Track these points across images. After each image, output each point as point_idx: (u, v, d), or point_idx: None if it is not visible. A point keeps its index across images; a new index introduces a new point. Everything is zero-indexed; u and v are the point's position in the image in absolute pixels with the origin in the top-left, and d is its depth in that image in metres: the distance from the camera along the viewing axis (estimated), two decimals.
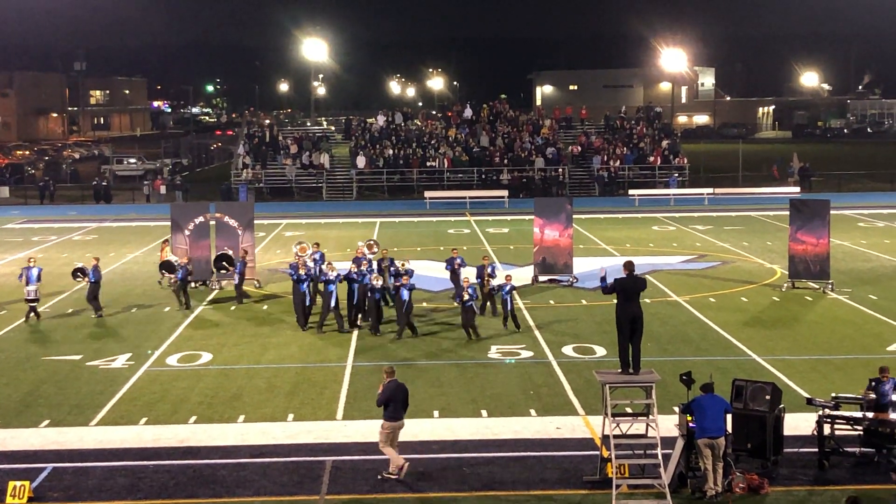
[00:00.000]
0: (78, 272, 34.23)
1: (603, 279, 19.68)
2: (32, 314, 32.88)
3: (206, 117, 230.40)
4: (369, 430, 21.67)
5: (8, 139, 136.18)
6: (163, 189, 74.18)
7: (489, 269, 32.49)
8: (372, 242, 35.44)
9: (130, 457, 20.48)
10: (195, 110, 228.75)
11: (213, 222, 38.33)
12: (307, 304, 31.14)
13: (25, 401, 24.27)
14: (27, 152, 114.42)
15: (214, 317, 33.42)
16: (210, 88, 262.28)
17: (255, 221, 39.92)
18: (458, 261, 34.11)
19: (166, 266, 36.25)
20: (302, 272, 30.88)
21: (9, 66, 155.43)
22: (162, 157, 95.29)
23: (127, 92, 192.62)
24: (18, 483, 18.34)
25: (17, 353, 28.77)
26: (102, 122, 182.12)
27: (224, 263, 36.77)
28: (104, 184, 75.21)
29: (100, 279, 34.02)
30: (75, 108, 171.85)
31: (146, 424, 22.47)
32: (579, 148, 76.85)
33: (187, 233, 37.72)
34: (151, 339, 30.27)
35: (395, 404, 19.24)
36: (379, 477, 19.06)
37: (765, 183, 74.08)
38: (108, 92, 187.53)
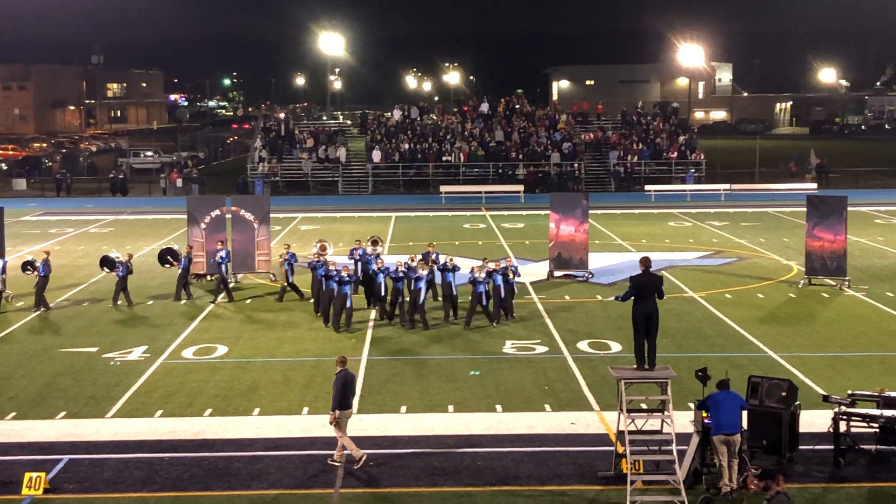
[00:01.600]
0: (28, 265, 34.16)
1: (617, 298, 19.79)
2: None
3: (223, 111, 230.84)
4: (384, 423, 21.75)
5: (25, 132, 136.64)
6: (179, 182, 74.32)
7: (433, 256, 33.39)
8: (376, 239, 35.39)
9: (146, 449, 20.55)
10: (212, 104, 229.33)
11: (229, 216, 38.38)
12: (348, 305, 30.47)
13: (42, 392, 24.37)
14: (44, 145, 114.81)
15: (230, 310, 33.48)
16: (227, 82, 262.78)
17: (271, 215, 39.95)
18: (434, 256, 33.98)
19: (106, 262, 35.43)
20: (345, 274, 30.26)
21: (26, 58, 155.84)
22: (178, 150, 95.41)
23: (144, 85, 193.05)
24: (34, 474, 18.42)
25: (33, 345, 28.89)
26: (119, 115, 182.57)
27: (168, 258, 36.74)
28: (121, 177, 75.37)
29: (49, 273, 33.88)
30: (92, 101, 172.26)
31: (162, 417, 22.55)
32: (592, 135, 77.03)
33: (203, 226, 37.76)
34: (167, 331, 30.35)
35: (347, 394, 19.69)
36: (329, 462, 19.62)
37: (782, 179, 73.84)
38: (125, 85, 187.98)
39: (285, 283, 34.51)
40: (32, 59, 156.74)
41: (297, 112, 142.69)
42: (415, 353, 27.71)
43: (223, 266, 34.82)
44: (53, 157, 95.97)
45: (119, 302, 33.99)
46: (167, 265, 36.84)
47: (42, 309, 33.40)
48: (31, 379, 25.51)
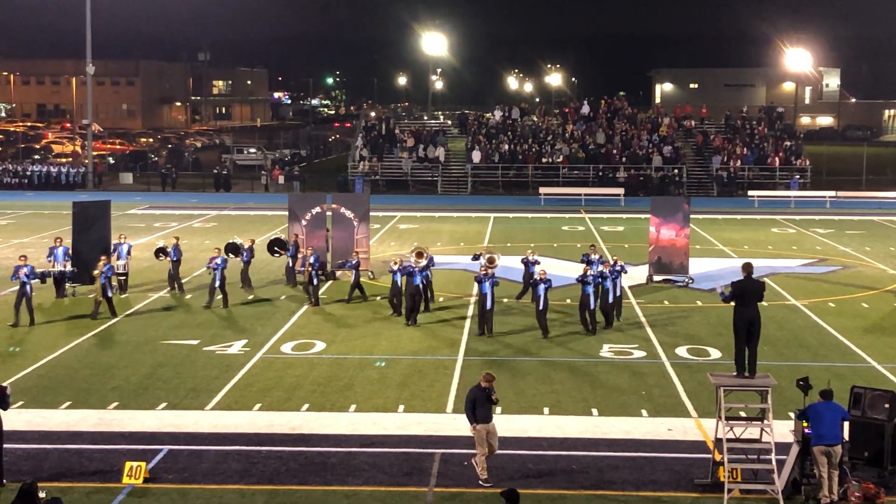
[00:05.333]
0: (160, 252, 35.54)
1: (722, 294, 19.45)
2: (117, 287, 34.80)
3: (325, 109, 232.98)
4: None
5: (133, 127, 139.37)
6: (281, 179, 75.24)
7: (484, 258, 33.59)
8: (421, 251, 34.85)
9: (243, 442, 20.79)
10: (314, 102, 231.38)
11: (329, 213, 38.76)
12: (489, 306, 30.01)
13: (144, 383, 24.80)
14: (151, 140, 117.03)
15: (329, 306, 33.74)
16: (329, 81, 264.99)
17: (371, 213, 40.21)
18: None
19: (232, 248, 36.69)
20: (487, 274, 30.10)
21: (135, 55, 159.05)
22: (281, 147, 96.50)
23: (249, 83, 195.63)
24: (135, 463, 18.73)
25: (136, 337, 29.42)
26: (224, 111, 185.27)
27: (276, 248, 37.78)
28: (224, 172, 76.55)
29: (181, 257, 35.76)
30: (198, 98, 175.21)
31: (260, 410, 22.80)
32: (691, 122, 77.30)
33: (304, 223, 38.20)
34: (267, 326, 30.70)
35: (478, 405, 18.86)
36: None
37: (889, 187, 72.31)
38: (230, 82, 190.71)
39: (100, 298, 31.57)
40: (141, 56, 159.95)
41: (398, 111, 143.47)
42: (510, 354, 27.66)
43: (218, 272, 33.19)
44: (159, 152, 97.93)
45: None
46: (276, 254, 37.80)
47: (178, 291, 35.39)
48: (134, 370, 25.97)
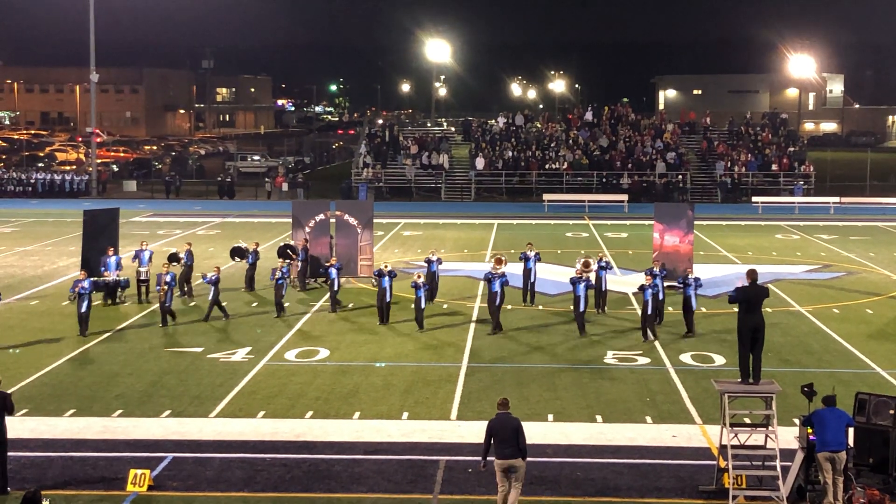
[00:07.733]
0: (173, 257, 35.95)
1: (730, 295, 19.47)
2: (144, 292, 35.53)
3: (329, 116, 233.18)
4: (483, 431, 21.64)
5: (136, 134, 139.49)
6: (284, 186, 75.25)
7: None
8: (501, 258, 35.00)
9: (248, 449, 20.79)
10: (318, 109, 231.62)
11: (333, 220, 38.82)
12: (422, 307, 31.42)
13: (148, 391, 24.81)
14: (154, 147, 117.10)
15: (333, 313, 33.70)
16: (333, 88, 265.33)
17: (374, 220, 40.23)
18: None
19: (237, 252, 38.15)
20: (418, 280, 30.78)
21: (139, 62, 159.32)
22: (285, 154, 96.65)
23: (252, 90, 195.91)
24: (139, 471, 18.73)
25: (141, 344, 29.42)
26: (228, 119, 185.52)
27: (288, 252, 37.74)
28: (228, 180, 76.61)
29: (192, 262, 36.46)
30: (202, 105, 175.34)
31: (264, 418, 22.79)
32: (704, 120, 77.70)
33: (308, 230, 38.24)
34: (271, 333, 30.71)
35: (496, 439, 17.40)
36: None
37: (893, 193, 72.25)
38: (233, 90, 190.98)
39: None
40: (145, 63, 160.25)
41: (401, 118, 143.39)
42: (515, 361, 27.65)
43: (85, 296, 30.54)
44: (163, 159, 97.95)
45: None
46: (288, 260, 37.83)
47: (187, 296, 35.87)
48: (138, 377, 25.98)
